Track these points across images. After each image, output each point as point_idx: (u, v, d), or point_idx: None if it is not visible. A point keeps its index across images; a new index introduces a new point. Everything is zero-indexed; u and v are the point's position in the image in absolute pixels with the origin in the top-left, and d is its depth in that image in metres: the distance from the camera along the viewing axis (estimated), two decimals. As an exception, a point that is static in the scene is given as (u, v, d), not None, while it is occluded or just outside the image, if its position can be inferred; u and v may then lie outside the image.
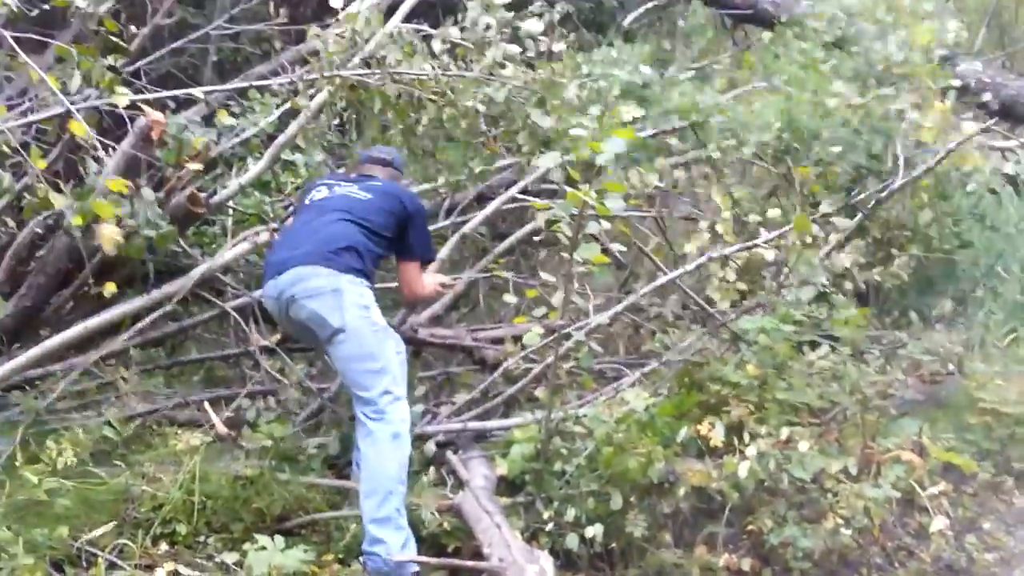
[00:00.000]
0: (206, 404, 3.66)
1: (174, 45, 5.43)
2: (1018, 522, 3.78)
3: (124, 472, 3.30)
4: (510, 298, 3.72)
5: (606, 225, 3.23)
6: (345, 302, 3.22)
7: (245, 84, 4.64)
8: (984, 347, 4.75)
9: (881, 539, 3.40)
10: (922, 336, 4.65)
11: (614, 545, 3.21)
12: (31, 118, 3.87)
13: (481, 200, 4.97)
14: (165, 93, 4.19)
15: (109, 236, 3.39)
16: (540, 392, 3.86)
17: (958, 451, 3.84)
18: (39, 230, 3.92)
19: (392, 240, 3.52)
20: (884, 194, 4.23)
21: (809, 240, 4.00)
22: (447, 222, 4.73)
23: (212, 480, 3.28)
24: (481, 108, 4.17)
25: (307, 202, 3.61)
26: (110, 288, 3.60)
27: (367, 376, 3.20)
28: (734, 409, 3.64)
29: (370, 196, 3.54)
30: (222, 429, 3.47)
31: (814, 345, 3.99)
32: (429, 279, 3.75)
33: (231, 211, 4.35)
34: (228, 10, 5.63)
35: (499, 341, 4.30)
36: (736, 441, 3.46)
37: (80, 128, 3.48)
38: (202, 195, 3.91)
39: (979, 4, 7.91)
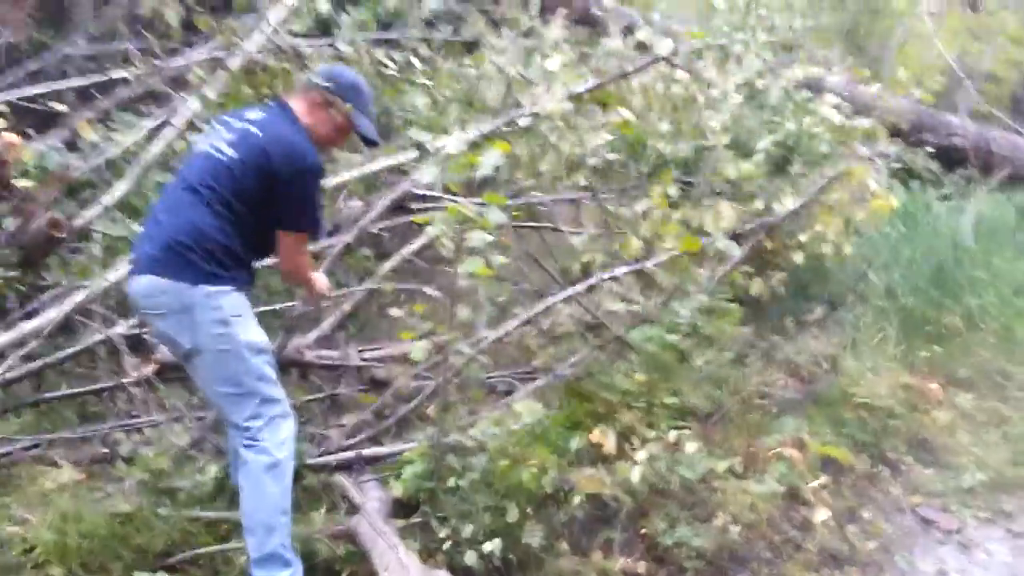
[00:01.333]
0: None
1: (31, 69, 5.16)
2: (895, 509, 3.95)
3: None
4: (396, 312, 3.66)
5: (489, 238, 3.23)
6: (196, 320, 2.80)
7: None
8: (855, 347, 4.97)
9: (768, 533, 3.49)
10: (798, 339, 4.83)
11: (512, 557, 3.18)
12: None
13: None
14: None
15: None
16: (432, 410, 3.83)
17: (836, 445, 4.01)
18: None
19: (267, 209, 2.93)
20: (774, 222, 4.28)
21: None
22: (331, 242, 4.62)
23: (86, 519, 3.10)
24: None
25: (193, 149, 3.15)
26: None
27: (230, 401, 2.89)
28: (624, 416, 3.70)
29: (233, 154, 2.91)
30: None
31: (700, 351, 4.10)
32: (317, 277, 3.30)
33: (101, 236, 4.15)
34: (87, 32, 5.39)
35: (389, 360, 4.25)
36: (627, 447, 3.51)
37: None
38: (64, 220, 3.73)
39: (835, 22, 8.35)
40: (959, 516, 3.95)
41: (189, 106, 4.19)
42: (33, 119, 4.59)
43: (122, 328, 3.96)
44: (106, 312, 4.09)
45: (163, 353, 3.90)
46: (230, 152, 2.92)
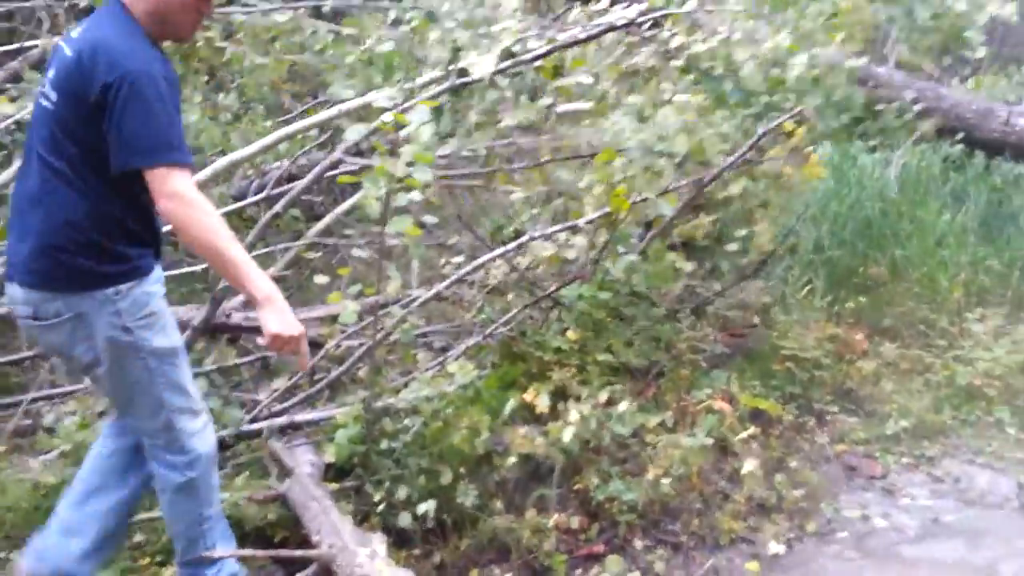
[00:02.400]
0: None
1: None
2: (820, 458, 4.06)
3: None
4: (321, 279, 3.59)
5: (417, 196, 3.17)
6: (94, 328, 2.32)
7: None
8: (784, 300, 5.06)
9: (699, 485, 3.55)
10: (728, 292, 4.89)
11: (446, 517, 3.20)
12: None
13: (292, 179, 4.81)
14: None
15: None
16: (364, 372, 3.80)
17: (764, 397, 4.10)
18: None
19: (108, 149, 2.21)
20: (707, 180, 4.22)
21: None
22: (257, 198, 4.51)
23: (9, 491, 3.03)
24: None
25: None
26: None
27: (136, 414, 2.49)
28: (557, 374, 3.72)
29: (54, 95, 2.27)
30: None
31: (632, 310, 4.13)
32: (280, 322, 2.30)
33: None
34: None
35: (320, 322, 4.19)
36: (560, 406, 3.53)
37: None
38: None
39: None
40: (883, 462, 4.08)
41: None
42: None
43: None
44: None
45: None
46: (53, 95, 2.28)
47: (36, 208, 2.29)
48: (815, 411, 4.38)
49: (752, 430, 3.78)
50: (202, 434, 2.57)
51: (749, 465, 3.53)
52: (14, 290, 2.37)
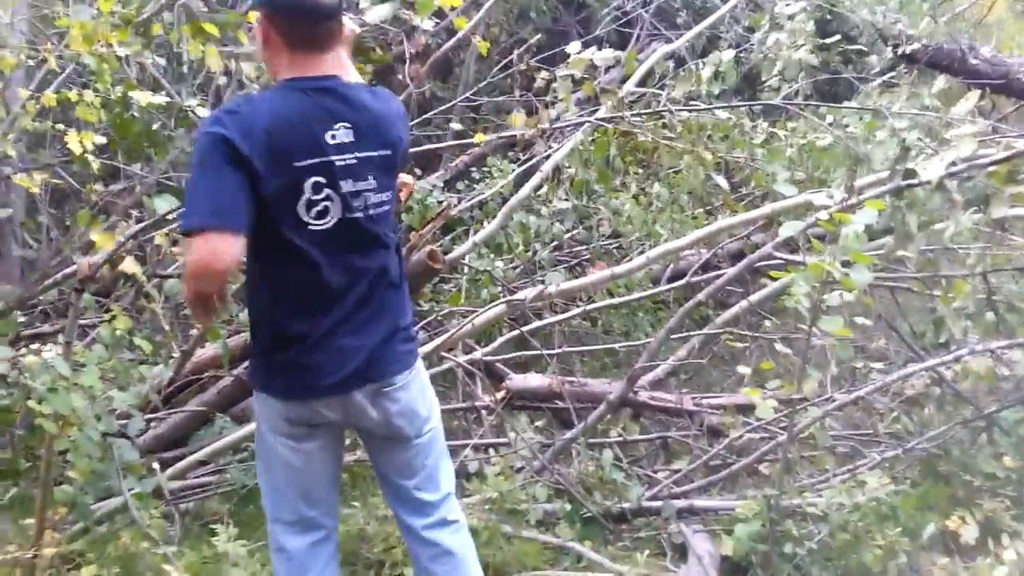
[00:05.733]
0: None
1: (422, 116, 5.74)
2: None
3: (359, 512, 3.43)
4: (744, 369, 3.59)
5: (849, 297, 3.07)
6: (424, 383, 2.36)
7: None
8: None
9: None
10: None
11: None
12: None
13: (706, 268, 4.91)
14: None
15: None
16: (766, 468, 3.72)
17: None
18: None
19: None
20: None
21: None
22: (678, 283, 4.65)
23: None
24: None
25: (313, 220, 2.06)
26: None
27: (444, 469, 2.41)
28: (987, 503, 3.35)
29: (390, 195, 2.21)
30: None
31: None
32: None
33: (466, 270, 4.53)
34: (471, 85, 5.92)
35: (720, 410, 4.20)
36: (991, 541, 3.16)
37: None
38: (441, 252, 4.11)
39: None
40: None
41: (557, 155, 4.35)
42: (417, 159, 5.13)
43: (479, 354, 4.27)
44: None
45: (513, 381, 4.18)
46: (385, 195, 2.20)
47: (376, 313, 2.22)
48: None
49: None
50: None
51: None
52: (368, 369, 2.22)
